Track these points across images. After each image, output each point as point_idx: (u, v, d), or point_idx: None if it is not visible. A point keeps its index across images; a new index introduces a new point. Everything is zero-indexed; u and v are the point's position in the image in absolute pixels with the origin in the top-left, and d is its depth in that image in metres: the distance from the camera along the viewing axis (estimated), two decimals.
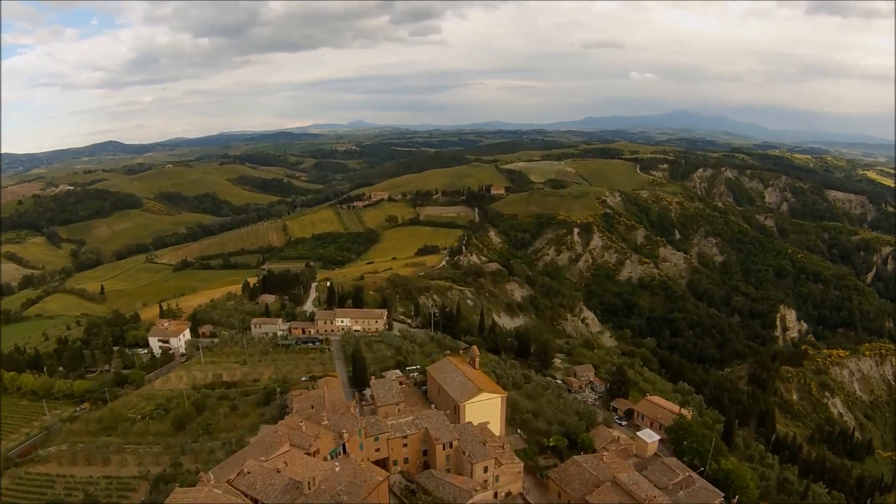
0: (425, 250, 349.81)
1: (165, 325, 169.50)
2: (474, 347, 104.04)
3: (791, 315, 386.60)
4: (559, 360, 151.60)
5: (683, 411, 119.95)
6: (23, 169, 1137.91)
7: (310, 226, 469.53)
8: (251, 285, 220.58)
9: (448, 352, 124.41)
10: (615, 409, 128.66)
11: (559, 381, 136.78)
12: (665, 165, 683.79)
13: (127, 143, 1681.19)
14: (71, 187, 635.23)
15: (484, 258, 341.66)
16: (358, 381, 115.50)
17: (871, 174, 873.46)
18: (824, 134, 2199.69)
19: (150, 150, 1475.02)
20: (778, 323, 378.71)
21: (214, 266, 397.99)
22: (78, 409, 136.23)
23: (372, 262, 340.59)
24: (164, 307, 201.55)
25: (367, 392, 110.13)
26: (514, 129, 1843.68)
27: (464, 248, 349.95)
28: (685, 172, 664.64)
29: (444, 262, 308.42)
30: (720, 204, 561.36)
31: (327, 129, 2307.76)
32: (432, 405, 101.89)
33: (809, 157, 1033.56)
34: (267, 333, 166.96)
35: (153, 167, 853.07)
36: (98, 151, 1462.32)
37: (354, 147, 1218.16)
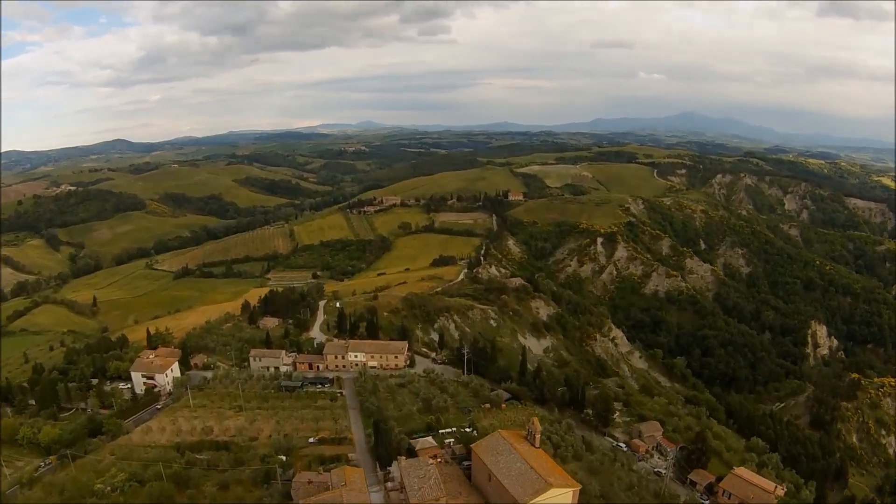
0: (441, 261, 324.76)
1: (151, 357, 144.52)
2: (535, 421, 78.37)
3: (822, 331, 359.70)
4: (617, 413, 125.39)
5: (778, 490, 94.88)
6: (30, 166, 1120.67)
7: (318, 232, 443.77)
8: (251, 307, 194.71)
9: (500, 430, 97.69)
10: (693, 483, 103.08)
11: (623, 446, 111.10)
12: (683, 171, 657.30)
13: (135, 141, 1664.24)
14: (73, 187, 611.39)
15: (504, 270, 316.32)
16: (381, 453, 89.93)
17: (886, 180, 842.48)
18: (832, 137, 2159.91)
19: (157, 149, 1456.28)
20: (809, 340, 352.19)
21: (216, 274, 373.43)
22: (43, 464, 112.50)
23: (384, 273, 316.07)
24: (153, 331, 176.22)
25: (395, 473, 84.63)
26: (524, 130, 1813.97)
27: (482, 259, 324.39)
28: (704, 178, 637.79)
29: (462, 276, 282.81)
30: (744, 212, 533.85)
31: (336, 129, 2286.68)
32: (479, 491, 77.06)
33: (823, 162, 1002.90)
34: (268, 368, 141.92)
35: (160, 166, 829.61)
36: (106, 150, 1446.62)
37: (364, 147, 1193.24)
